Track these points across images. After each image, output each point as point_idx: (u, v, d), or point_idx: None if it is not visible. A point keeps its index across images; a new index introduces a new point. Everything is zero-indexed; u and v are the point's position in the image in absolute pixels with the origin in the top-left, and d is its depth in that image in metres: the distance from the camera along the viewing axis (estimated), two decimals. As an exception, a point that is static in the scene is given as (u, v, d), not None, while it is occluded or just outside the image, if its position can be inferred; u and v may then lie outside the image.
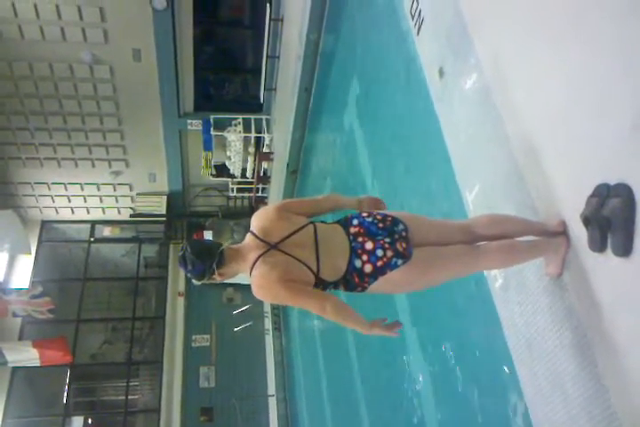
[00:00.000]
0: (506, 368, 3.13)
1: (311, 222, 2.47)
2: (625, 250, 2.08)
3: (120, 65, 10.24)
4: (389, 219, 2.43)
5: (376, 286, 2.36)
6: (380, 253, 2.32)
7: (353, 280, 2.36)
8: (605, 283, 2.23)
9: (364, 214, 2.47)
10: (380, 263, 2.31)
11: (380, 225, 2.39)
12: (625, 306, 2.12)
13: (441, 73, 3.74)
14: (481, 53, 3.23)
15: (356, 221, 2.44)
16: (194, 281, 2.53)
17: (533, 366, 2.78)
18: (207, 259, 2.39)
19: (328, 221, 2.59)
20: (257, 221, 2.48)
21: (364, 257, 2.33)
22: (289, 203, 2.58)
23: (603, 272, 2.24)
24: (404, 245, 2.36)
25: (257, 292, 2.39)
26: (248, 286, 2.45)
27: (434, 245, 2.45)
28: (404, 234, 2.40)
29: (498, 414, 3.54)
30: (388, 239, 2.35)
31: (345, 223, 2.47)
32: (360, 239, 2.37)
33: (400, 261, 2.32)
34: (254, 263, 2.36)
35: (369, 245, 2.34)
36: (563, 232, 2.48)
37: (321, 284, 2.37)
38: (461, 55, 3.44)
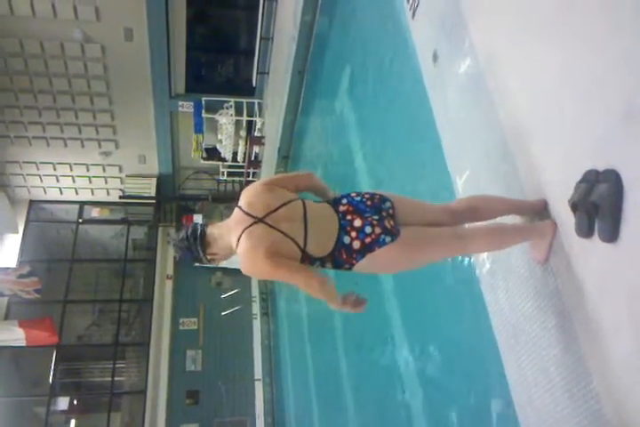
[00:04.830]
0: (490, 353, 3.15)
1: (300, 199, 2.47)
2: (611, 236, 2.09)
3: (111, 44, 10.11)
4: (377, 197, 2.45)
5: (363, 265, 2.36)
6: (368, 229, 2.33)
7: (341, 257, 2.36)
8: (591, 268, 2.24)
9: (353, 194, 2.49)
10: (368, 240, 2.32)
11: (369, 203, 2.42)
12: (609, 290, 2.14)
13: (435, 57, 3.72)
14: (475, 38, 3.22)
15: (344, 200, 2.46)
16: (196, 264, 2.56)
17: (518, 351, 2.80)
18: (192, 244, 2.42)
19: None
20: (245, 196, 2.49)
21: (353, 234, 2.34)
22: (276, 178, 2.58)
23: (589, 257, 2.25)
24: (391, 222, 2.38)
25: (243, 267, 2.39)
26: (237, 271, 2.46)
27: (419, 225, 2.46)
28: (391, 212, 2.42)
29: (480, 398, 3.58)
30: (376, 216, 2.36)
31: (334, 202, 2.48)
32: (349, 217, 2.38)
33: (388, 239, 2.33)
34: (239, 238, 2.36)
35: (357, 223, 2.35)
36: (543, 207, 2.51)
37: (307, 259, 2.37)
38: (455, 39, 3.42)
